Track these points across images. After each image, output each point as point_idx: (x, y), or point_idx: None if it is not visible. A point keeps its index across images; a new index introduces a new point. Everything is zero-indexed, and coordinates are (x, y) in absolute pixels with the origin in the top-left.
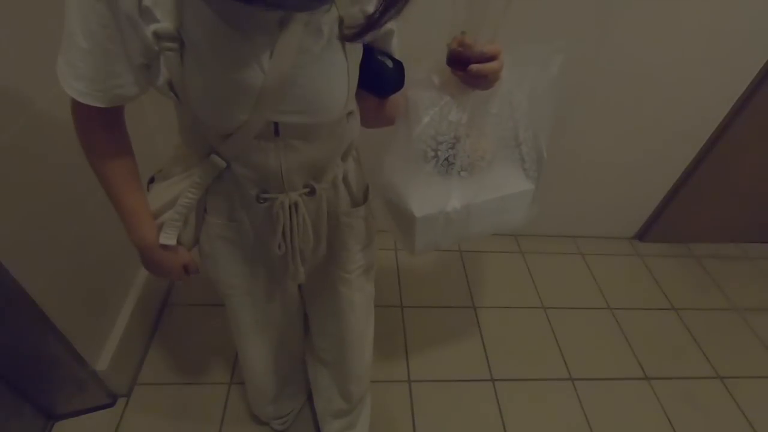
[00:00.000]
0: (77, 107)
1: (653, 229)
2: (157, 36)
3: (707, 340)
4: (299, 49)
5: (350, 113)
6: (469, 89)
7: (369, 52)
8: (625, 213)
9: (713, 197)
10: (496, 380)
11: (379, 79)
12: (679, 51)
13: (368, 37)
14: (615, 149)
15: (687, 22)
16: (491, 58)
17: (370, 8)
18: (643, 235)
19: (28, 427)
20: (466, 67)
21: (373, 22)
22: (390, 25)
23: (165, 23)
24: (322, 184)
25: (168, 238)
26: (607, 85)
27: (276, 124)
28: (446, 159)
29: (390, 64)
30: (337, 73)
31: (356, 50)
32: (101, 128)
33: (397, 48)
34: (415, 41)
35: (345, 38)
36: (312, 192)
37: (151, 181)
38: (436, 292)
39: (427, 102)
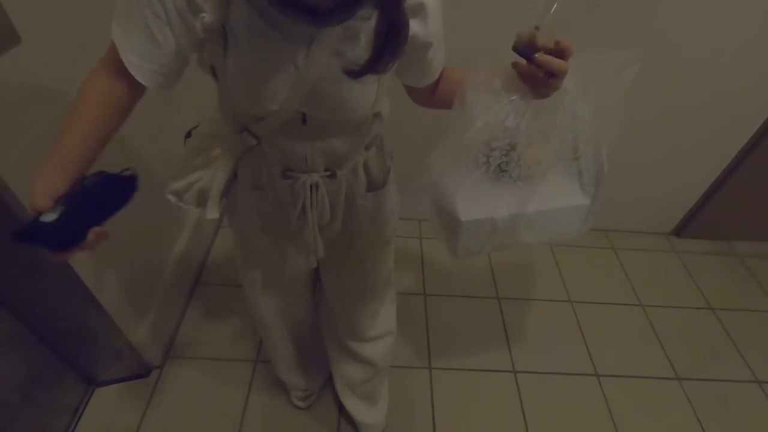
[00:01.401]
0: (110, 64)
1: (692, 224)
2: (204, 28)
3: (746, 343)
4: (334, 52)
5: (377, 113)
6: (530, 95)
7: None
8: (663, 207)
9: (760, 192)
10: (518, 372)
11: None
12: (725, 40)
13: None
14: (654, 139)
15: (734, 7)
16: (561, 53)
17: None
18: (681, 230)
19: (72, 391)
20: (532, 55)
21: (370, 67)
22: (427, 38)
23: (212, 17)
24: (343, 170)
25: (212, 213)
26: (648, 74)
27: (304, 114)
28: (498, 166)
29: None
30: (367, 79)
31: None
32: (113, 93)
33: (437, 55)
34: (476, 42)
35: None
36: (333, 176)
37: (188, 135)
38: (460, 281)
39: (482, 105)
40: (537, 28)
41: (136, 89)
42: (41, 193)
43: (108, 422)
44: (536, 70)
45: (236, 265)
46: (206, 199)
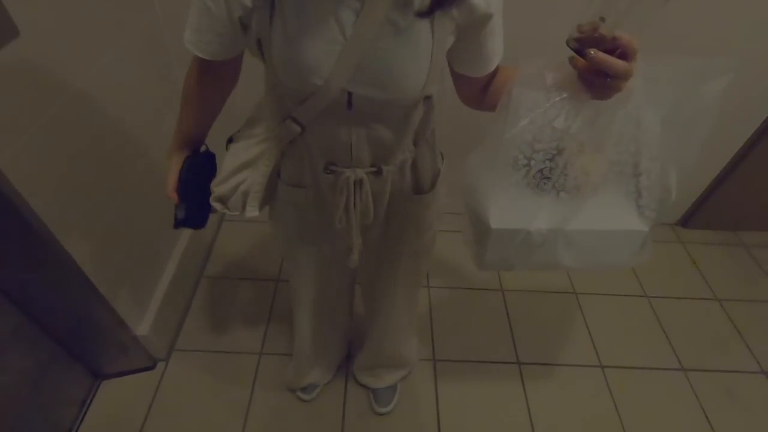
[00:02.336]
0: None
1: (698, 214)
2: None
3: (752, 333)
4: (385, 19)
5: (428, 98)
6: (586, 94)
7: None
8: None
9: (766, 182)
10: (523, 363)
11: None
12: (731, 28)
13: (457, 17)
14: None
15: None
16: (622, 52)
17: None
18: (687, 221)
19: (79, 383)
20: (587, 50)
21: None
22: (488, 9)
23: None
24: (390, 166)
25: (253, 210)
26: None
27: (350, 96)
28: (540, 171)
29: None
30: (419, 52)
31: (445, 34)
32: (198, 72)
33: (495, 38)
34: (531, 33)
35: (419, 14)
36: (378, 172)
37: (230, 141)
38: (464, 274)
39: (530, 102)
40: (602, 19)
41: (219, 71)
42: (170, 185)
43: (115, 414)
44: (593, 73)
45: (240, 259)
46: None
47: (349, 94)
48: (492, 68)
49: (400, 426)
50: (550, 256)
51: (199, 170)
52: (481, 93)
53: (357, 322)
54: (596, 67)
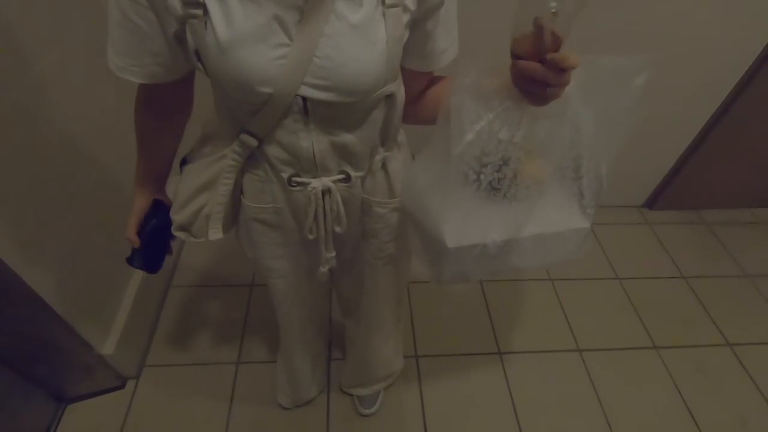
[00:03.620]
0: (138, 94)
1: (663, 196)
2: (183, 1)
3: (717, 308)
4: (333, 15)
5: (389, 96)
6: (525, 101)
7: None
8: (634, 181)
9: (726, 162)
10: (503, 353)
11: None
12: (693, 12)
13: (410, 5)
14: None
15: None
16: (555, 64)
17: None
18: (652, 202)
19: (40, 411)
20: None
21: None
22: None
23: None
24: (359, 171)
25: (215, 233)
26: (615, 46)
27: (305, 102)
28: (490, 183)
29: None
30: (374, 48)
31: (399, 26)
32: (144, 102)
33: (445, 30)
34: (468, 39)
35: (369, 6)
36: (347, 179)
37: (184, 162)
38: None
39: (473, 115)
40: (554, 13)
41: (166, 97)
42: (131, 227)
43: None
44: (541, 73)
45: (209, 266)
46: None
47: (304, 99)
48: (442, 63)
49: (386, 426)
50: (504, 263)
51: (165, 220)
52: (418, 99)
53: (338, 327)
54: (554, 70)
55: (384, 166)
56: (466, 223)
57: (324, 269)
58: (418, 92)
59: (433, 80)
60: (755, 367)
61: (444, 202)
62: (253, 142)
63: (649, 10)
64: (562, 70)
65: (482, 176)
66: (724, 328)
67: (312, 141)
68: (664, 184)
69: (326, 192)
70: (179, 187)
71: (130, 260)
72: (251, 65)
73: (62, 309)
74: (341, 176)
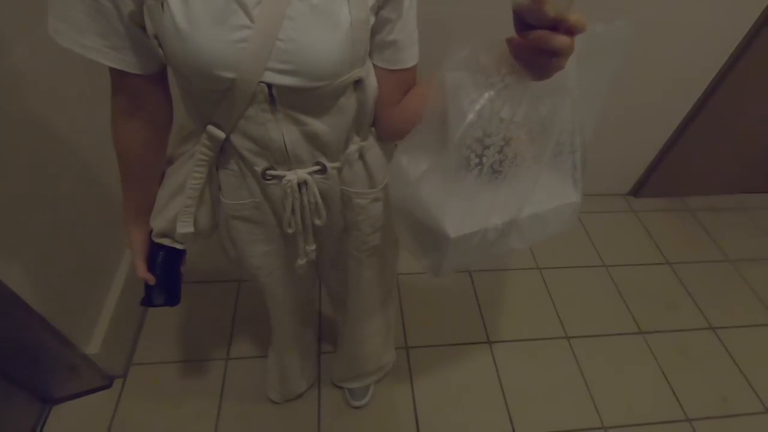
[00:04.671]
0: (113, 111)
1: (648, 184)
2: None
3: (700, 292)
4: None
5: (358, 83)
6: (526, 76)
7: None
8: (620, 169)
9: (709, 150)
10: (493, 342)
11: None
12: (673, 2)
13: None
14: (608, 103)
15: None
16: (568, 29)
17: None
18: (638, 190)
19: (24, 413)
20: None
21: None
22: None
23: None
24: (335, 162)
25: (185, 226)
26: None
27: (270, 89)
28: (491, 166)
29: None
30: (337, 30)
31: (363, 9)
32: (120, 109)
33: (408, 25)
34: (460, 9)
35: None
36: (323, 170)
37: (169, 162)
38: None
39: (473, 94)
40: None
41: (143, 96)
42: (140, 267)
43: None
44: (554, 40)
45: (196, 260)
46: (201, 231)
47: (269, 87)
48: (407, 62)
49: (378, 417)
50: (503, 246)
51: (175, 252)
52: (394, 108)
53: (328, 321)
54: (538, 46)
55: (362, 156)
56: (468, 210)
57: (302, 262)
58: (395, 98)
59: (414, 89)
60: (737, 349)
61: (443, 192)
62: (221, 134)
63: None
64: (572, 33)
65: (485, 159)
66: (707, 312)
67: (282, 131)
68: (648, 172)
69: (302, 184)
70: (159, 191)
71: (147, 301)
72: (210, 49)
73: (43, 309)
74: (317, 168)
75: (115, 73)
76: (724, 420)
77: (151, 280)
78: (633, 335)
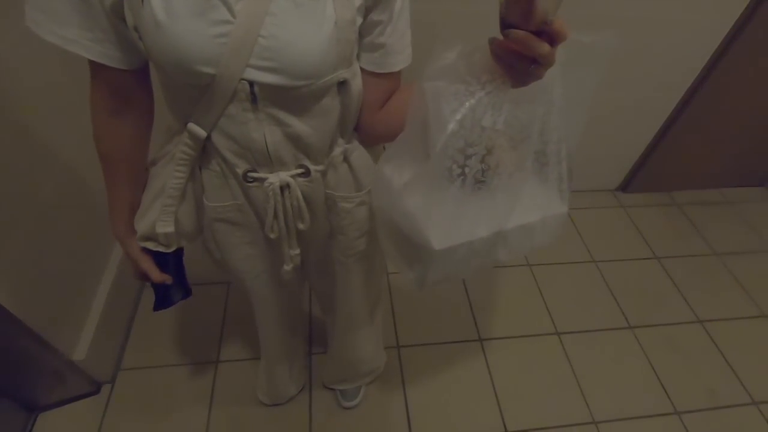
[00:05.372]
0: (93, 105)
1: (636, 179)
2: None
3: (688, 286)
4: None
5: (343, 84)
6: (507, 82)
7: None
8: (608, 165)
9: (695, 145)
10: (484, 340)
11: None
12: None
13: None
14: (596, 99)
15: None
16: (550, 35)
17: None
18: (626, 186)
19: (9, 421)
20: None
21: None
22: None
23: None
24: (319, 165)
25: (165, 226)
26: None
27: (252, 88)
28: (474, 176)
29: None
30: (320, 27)
31: (349, 8)
32: (102, 105)
33: (399, 26)
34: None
35: None
36: (306, 173)
37: (152, 163)
38: None
39: (453, 102)
40: None
41: (126, 92)
42: (153, 270)
43: None
44: (534, 44)
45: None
46: (186, 233)
47: (251, 84)
48: (393, 67)
49: (370, 417)
50: (487, 258)
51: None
52: (376, 112)
53: (318, 322)
54: (519, 50)
55: (346, 158)
56: (452, 222)
57: (288, 267)
58: (379, 102)
59: (397, 93)
60: (724, 341)
61: (427, 203)
62: (201, 133)
63: None
64: (554, 42)
65: (467, 169)
66: (695, 305)
67: (263, 132)
68: (636, 167)
69: (285, 187)
70: (143, 194)
71: (165, 302)
72: (188, 42)
73: (25, 315)
74: (300, 170)
75: (96, 67)
76: (712, 412)
77: (169, 279)
78: (622, 330)
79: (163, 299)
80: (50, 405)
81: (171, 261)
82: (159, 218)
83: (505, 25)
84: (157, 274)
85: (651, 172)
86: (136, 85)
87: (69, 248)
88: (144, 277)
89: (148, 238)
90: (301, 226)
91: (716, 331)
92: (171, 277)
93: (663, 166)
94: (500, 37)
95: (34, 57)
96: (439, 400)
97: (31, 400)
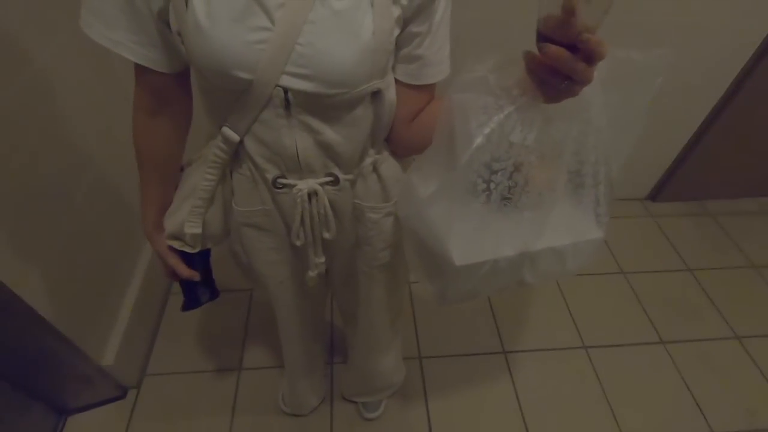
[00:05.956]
0: (136, 106)
1: (667, 188)
2: None
3: (724, 300)
4: (317, 0)
5: (376, 94)
6: (539, 97)
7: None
8: (637, 173)
9: (729, 152)
10: (508, 352)
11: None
12: (690, 2)
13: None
14: None
15: None
16: (588, 53)
17: None
18: (656, 195)
19: (40, 424)
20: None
21: None
22: None
23: None
24: (348, 174)
25: (192, 227)
26: (619, 39)
27: (286, 95)
28: (500, 192)
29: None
30: (357, 37)
31: (388, 19)
32: (154, 108)
33: (436, 39)
34: (478, 33)
35: None
36: (335, 181)
37: (181, 170)
38: None
39: (481, 116)
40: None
41: (169, 96)
42: (182, 268)
43: None
44: (569, 61)
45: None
46: (212, 235)
47: (285, 91)
48: (430, 79)
49: (391, 429)
50: (513, 278)
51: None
52: (411, 121)
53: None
54: (553, 65)
55: (376, 169)
56: (476, 238)
57: (312, 274)
58: (412, 114)
59: (430, 105)
60: (764, 359)
61: (450, 216)
62: (235, 137)
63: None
64: (590, 61)
65: (492, 185)
66: (731, 320)
67: (295, 138)
68: (667, 175)
69: (313, 195)
70: (175, 194)
71: (194, 302)
72: (227, 47)
73: (57, 321)
74: (329, 179)
75: (140, 69)
76: None
77: (197, 275)
78: (653, 345)
79: (191, 299)
80: (79, 408)
81: (198, 261)
82: (187, 219)
83: (542, 38)
84: (184, 270)
85: (682, 181)
86: (175, 88)
87: (99, 255)
88: (173, 275)
89: (175, 237)
90: (326, 235)
91: (755, 348)
92: (198, 274)
93: (695, 174)
94: (535, 50)
95: (74, 66)
96: (462, 413)
97: (61, 404)
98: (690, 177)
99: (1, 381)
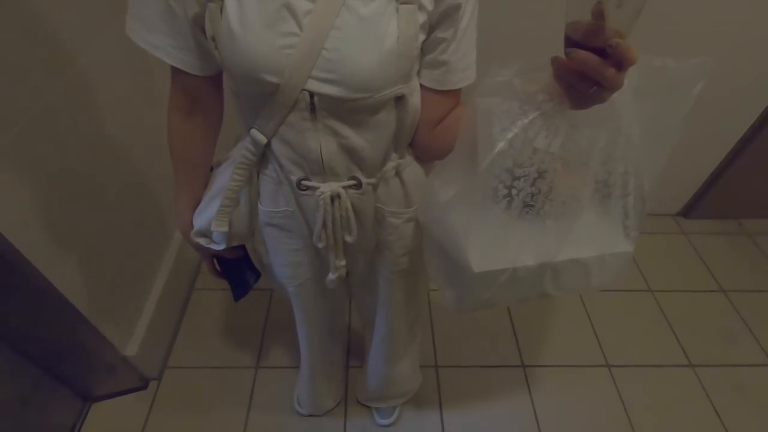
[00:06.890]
0: (172, 104)
1: (701, 204)
2: None
3: (760, 324)
4: (344, 7)
5: (400, 99)
6: (565, 103)
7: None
8: (670, 187)
9: None
10: (527, 366)
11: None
12: (731, 11)
13: (427, 4)
14: None
15: None
16: (618, 59)
17: None
18: (688, 211)
19: (67, 408)
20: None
21: None
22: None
23: None
24: (371, 178)
25: (220, 225)
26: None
27: (312, 99)
28: (522, 199)
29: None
30: (382, 42)
31: (413, 25)
32: (189, 109)
33: (462, 44)
34: (501, 35)
35: None
36: (358, 185)
37: (211, 170)
38: None
39: (504, 120)
40: (618, 4)
41: (203, 97)
42: (208, 256)
43: None
44: (598, 66)
45: None
46: (238, 234)
47: (311, 95)
48: (455, 84)
49: None
50: (534, 289)
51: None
52: (435, 126)
53: (357, 336)
54: (581, 70)
55: (398, 173)
56: (495, 245)
57: (333, 277)
58: (437, 119)
59: (455, 110)
60: None
61: (469, 221)
62: (262, 139)
63: (687, 10)
64: (620, 66)
65: (514, 191)
66: (766, 346)
67: (319, 142)
68: (702, 191)
69: (335, 198)
70: (204, 193)
71: (244, 285)
72: (257, 52)
73: (87, 310)
74: (352, 182)
75: (175, 72)
76: None
77: (239, 253)
78: (682, 367)
79: (241, 285)
80: (102, 396)
81: (245, 253)
82: (215, 218)
83: (570, 43)
84: (228, 253)
85: (718, 197)
86: (208, 91)
87: (127, 250)
88: (215, 271)
89: (202, 235)
90: (348, 238)
91: None
92: (240, 252)
93: (732, 191)
94: (563, 56)
95: (113, 67)
96: (477, 426)
97: (87, 390)
98: (726, 193)
99: (33, 365)
